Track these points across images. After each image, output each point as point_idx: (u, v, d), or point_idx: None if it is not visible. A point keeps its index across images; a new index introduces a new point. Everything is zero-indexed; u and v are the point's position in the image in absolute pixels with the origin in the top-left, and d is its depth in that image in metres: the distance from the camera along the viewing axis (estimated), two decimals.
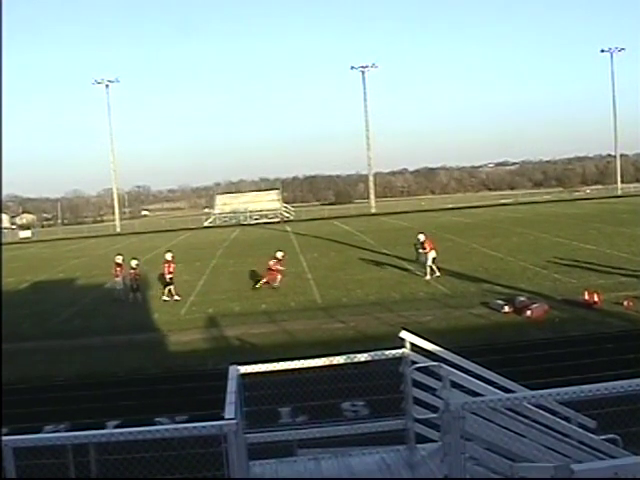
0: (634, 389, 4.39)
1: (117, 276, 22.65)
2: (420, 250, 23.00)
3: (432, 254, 22.51)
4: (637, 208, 45.33)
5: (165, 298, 21.88)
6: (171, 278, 22.15)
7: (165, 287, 22.37)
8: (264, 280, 22.72)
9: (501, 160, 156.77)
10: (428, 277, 22.10)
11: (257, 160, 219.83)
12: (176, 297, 21.81)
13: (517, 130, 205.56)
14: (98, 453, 6.18)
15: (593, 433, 5.67)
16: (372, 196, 76.25)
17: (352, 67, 73.24)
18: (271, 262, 22.89)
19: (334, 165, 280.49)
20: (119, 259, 23.16)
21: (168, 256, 22.83)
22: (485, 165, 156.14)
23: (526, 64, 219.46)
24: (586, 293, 16.85)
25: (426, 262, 22.51)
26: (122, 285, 22.57)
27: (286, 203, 79.52)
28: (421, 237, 23.18)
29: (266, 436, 6.48)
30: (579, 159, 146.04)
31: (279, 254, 23.32)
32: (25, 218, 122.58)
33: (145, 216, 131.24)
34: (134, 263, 22.62)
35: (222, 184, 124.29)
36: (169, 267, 22.29)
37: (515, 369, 8.14)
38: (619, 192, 75.65)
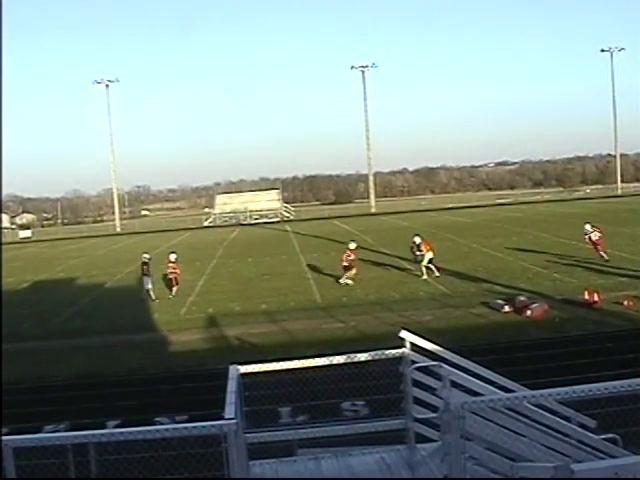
0: (634, 389, 4.39)
1: (145, 275, 22.41)
2: (417, 252, 23.05)
3: (429, 255, 22.56)
4: (637, 207, 45.34)
5: None
6: None
7: None
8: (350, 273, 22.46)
9: (501, 160, 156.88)
10: (425, 277, 22.13)
11: (257, 160, 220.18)
12: None
13: (517, 130, 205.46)
14: (98, 453, 6.18)
15: (593, 433, 5.67)
16: (372, 196, 76.24)
17: (352, 67, 73.31)
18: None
19: (334, 165, 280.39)
20: (146, 257, 22.92)
21: None
22: (485, 165, 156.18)
23: (526, 64, 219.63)
24: (586, 293, 16.85)
25: (422, 262, 22.57)
26: (151, 284, 22.34)
27: (286, 203, 79.54)
28: (417, 239, 23.26)
29: (266, 436, 6.48)
30: (579, 159, 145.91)
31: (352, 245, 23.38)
32: (25, 218, 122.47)
33: (145, 216, 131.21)
34: (173, 257, 22.74)
35: (222, 184, 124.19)
36: None
37: (515, 368, 8.14)
38: (619, 192, 75.63)
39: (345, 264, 22.59)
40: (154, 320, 19.12)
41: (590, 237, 23.29)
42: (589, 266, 21.94)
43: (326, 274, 24.84)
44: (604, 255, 22.74)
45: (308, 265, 27.55)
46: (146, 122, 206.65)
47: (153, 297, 22.18)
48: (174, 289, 22.52)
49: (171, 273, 22.65)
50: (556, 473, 3.73)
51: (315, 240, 40.18)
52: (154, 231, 65.94)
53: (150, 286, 22.32)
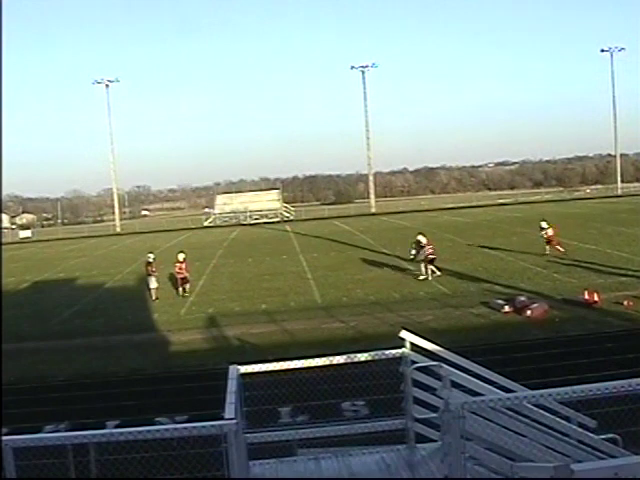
0: (634, 389, 4.39)
1: (150, 274, 22.60)
2: (417, 252, 22.96)
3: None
4: (637, 208, 45.34)
5: None
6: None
7: None
8: None
9: (501, 160, 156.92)
10: (425, 276, 22.11)
11: (257, 160, 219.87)
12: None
13: (517, 130, 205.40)
14: (98, 453, 6.18)
15: (593, 433, 5.67)
16: (372, 196, 76.19)
17: (352, 67, 73.23)
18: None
19: (334, 165, 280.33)
20: (150, 257, 23.17)
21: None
22: (485, 165, 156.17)
23: (526, 64, 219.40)
24: (586, 293, 16.85)
25: (421, 259, 22.55)
26: (156, 284, 22.52)
27: (286, 203, 79.49)
28: (421, 238, 23.18)
29: (266, 436, 6.48)
30: (579, 159, 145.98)
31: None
32: (25, 218, 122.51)
33: (145, 216, 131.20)
34: (182, 257, 22.98)
35: (222, 184, 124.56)
36: None
37: (515, 369, 8.15)
38: (619, 192, 75.65)
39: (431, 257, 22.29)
40: (154, 320, 19.12)
41: (547, 233, 25.15)
42: (589, 266, 21.93)
43: (326, 274, 24.89)
44: (560, 249, 24.49)
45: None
46: (146, 122, 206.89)
47: (154, 297, 22.23)
48: (186, 287, 22.66)
49: (178, 273, 22.78)
50: (556, 473, 3.72)
51: (315, 240, 40.20)
52: (154, 231, 65.97)
53: (154, 285, 22.44)
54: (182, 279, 22.78)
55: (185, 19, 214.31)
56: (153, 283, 22.45)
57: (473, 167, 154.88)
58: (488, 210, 60.09)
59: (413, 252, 23.18)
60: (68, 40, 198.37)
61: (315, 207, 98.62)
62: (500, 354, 12.07)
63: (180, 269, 22.83)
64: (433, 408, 6.03)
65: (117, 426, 9.41)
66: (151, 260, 23.01)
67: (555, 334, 14.30)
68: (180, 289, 22.71)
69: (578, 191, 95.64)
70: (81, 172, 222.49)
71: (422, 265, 22.48)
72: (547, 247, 25.04)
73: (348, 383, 8.11)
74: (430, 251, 22.39)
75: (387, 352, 6.44)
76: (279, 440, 6.53)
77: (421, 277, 22.14)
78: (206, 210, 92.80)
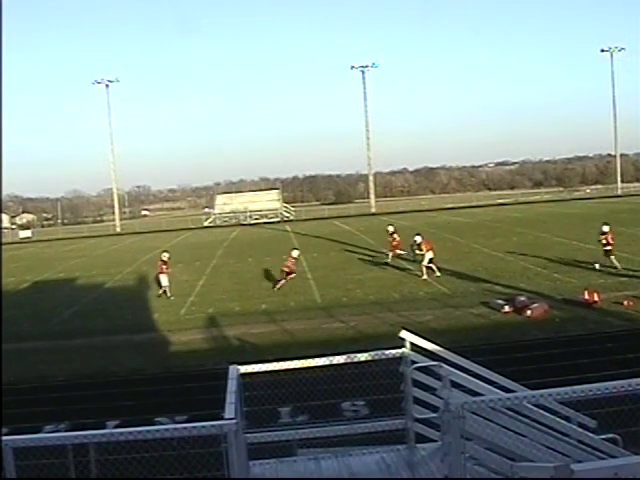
0: (634, 389, 4.39)
1: (162, 273, 22.63)
2: (417, 251, 23.09)
3: (429, 255, 22.54)
4: (637, 208, 45.34)
5: None
6: None
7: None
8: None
9: (501, 160, 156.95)
10: (425, 277, 22.11)
11: (257, 160, 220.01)
12: None
13: (517, 130, 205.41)
14: (98, 453, 6.18)
15: (593, 433, 5.67)
16: (372, 196, 76.19)
17: (352, 67, 73.23)
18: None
19: (334, 165, 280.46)
20: (165, 256, 23.19)
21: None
22: (485, 165, 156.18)
23: (526, 64, 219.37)
24: (586, 292, 16.85)
25: (422, 262, 22.56)
26: (167, 282, 22.57)
27: (286, 203, 79.50)
28: (418, 238, 23.24)
29: (266, 436, 6.48)
30: (579, 159, 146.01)
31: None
32: (25, 218, 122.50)
33: (145, 216, 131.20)
34: (296, 253, 23.48)
35: (222, 184, 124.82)
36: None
37: (515, 369, 8.15)
38: (619, 192, 75.63)
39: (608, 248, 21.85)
40: (154, 320, 19.12)
41: (393, 238, 26.16)
42: (589, 266, 21.93)
43: (326, 274, 24.88)
44: (397, 252, 25.80)
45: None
46: (146, 122, 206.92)
47: (168, 294, 22.31)
48: (289, 278, 22.60)
49: (289, 267, 22.77)
50: (556, 473, 3.72)
51: (315, 240, 40.18)
52: (154, 231, 65.97)
53: (166, 283, 22.51)
54: (288, 273, 22.72)
55: (185, 19, 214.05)
56: (165, 281, 22.54)
57: (473, 167, 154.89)
58: (488, 210, 60.08)
59: (418, 252, 23.22)
60: (68, 40, 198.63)
61: (315, 207, 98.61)
62: (500, 354, 12.07)
63: (292, 263, 22.86)
64: (433, 408, 6.03)
65: (117, 426, 9.42)
66: (165, 259, 23.01)
67: (555, 334, 14.30)
68: (282, 281, 22.64)
69: (578, 191, 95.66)
70: (81, 172, 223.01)
71: (422, 265, 22.49)
72: (397, 252, 25.91)
73: (348, 383, 8.12)
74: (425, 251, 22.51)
75: (387, 352, 6.44)
76: (279, 440, 6.53)
77: (423, 277, 22.13)
78: (206, 210, 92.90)
